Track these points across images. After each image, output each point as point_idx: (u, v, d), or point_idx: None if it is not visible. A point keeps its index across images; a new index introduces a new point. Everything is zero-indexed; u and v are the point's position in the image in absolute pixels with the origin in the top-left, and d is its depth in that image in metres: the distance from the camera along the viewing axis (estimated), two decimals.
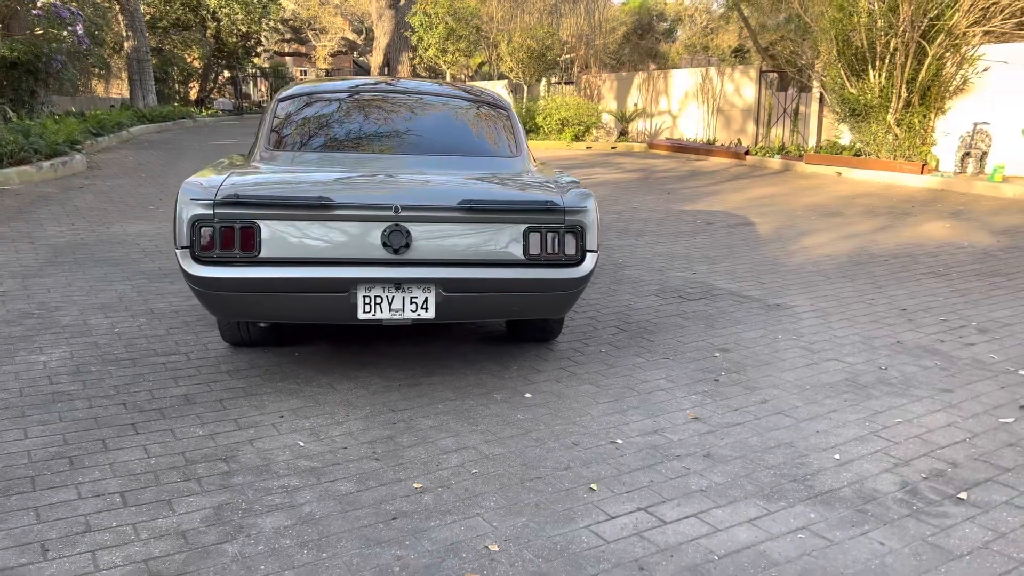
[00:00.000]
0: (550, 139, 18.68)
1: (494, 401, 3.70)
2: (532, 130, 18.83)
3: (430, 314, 3.51)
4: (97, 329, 4.57)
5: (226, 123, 23.78)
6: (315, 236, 3.39)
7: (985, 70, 12.76)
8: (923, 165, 12.57)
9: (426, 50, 22.35)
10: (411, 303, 3.48)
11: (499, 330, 4.75)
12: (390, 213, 3.36)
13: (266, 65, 34.37)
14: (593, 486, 2.92)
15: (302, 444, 3.22)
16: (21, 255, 6.30)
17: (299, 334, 4.46)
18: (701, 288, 5.86)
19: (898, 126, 13.07)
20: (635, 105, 20.48)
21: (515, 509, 2.76)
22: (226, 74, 30.29)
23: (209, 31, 27.28)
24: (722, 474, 3.03)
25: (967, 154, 12.79)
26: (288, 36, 51.89)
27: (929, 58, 12.56)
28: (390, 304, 3.46)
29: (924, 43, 12.50)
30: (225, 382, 3.84)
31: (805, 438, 3.35)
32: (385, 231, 3.40)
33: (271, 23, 28.95)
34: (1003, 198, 10.73)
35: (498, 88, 24.93)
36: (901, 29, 12.43)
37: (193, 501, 2.76)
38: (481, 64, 25.74)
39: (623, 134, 19.74)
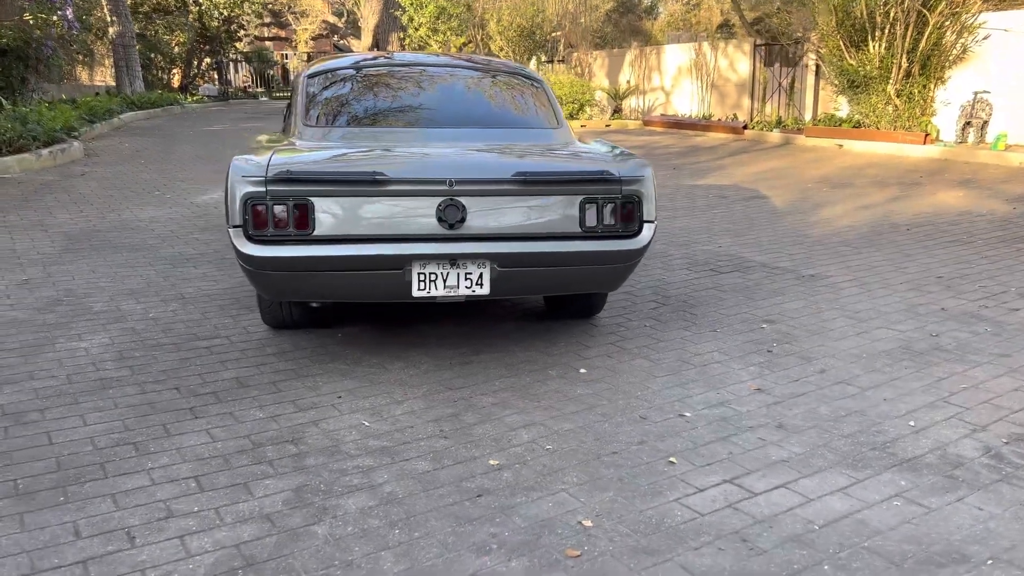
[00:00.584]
0: None
1: (550, 377, 3.64)
2: None
3: (485, 290, 3.44)
4: (131, 315, 4.47)
5: (214, 109, 23.45)
6: (369, 212, 3.31)
7: (985, 38, 12.74)
8: (926, 135, 12.56)
9: (416, 30, 22.12)
10: (466, 279, 3.41)
11: (537, 307, 4.68)
12: (444, 187, 3.28)
13: (247, 50, 33.93)
14: (672, 459, 2.88)
15: (367, 424, 3.16)
16: (37, 243, 6.17)
17: (339, 315, 4.38)
18: (731, 261, 5.81)
19: (898, 97, 13.05)
20: (628, 82, 20.36)
21: (599, 484, 2.71)
22: (208, 60, 29.88)
23: (192, 15, 26.88)
24: (799, 444, 2.99)
25: (968, 123, 12.78)
26: (268, 20, 51.30)
27: (930, 27, 12.52)
28: (445, 281, 3.39)
29: (925, 12, 12.46)
30: (273, 364, 3.76)
31: (874, 406, 3.32)
32: (440, 206, 3.32)
33: (254, 6, 28.52)
34: (1010, 167, 10.74)
35: None
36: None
37: (270, 484, 2.69)
38: (465, 44, 25.49)
39: (617, 112, 19.64)
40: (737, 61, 18.06)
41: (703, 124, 16.80)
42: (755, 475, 2.77)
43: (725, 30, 33.99)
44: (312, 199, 3.23)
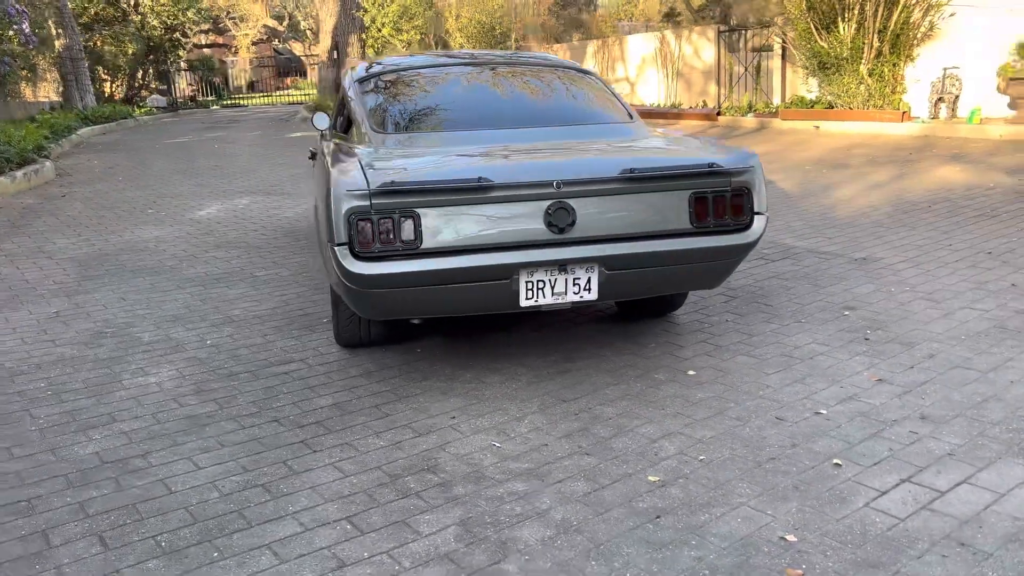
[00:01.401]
0: None
1: (660, 382, 3.51)
2: None
3: (592, 295, 3.28)
4: (187, 343, 4.20)
5: (167, 120, 22.77)
6: (476, 221, 3.12)
7: (951, 15, 12.96)
8: (903, 113, 12.73)
9: (379, 30, 21.73)
10: (574, 285, 3.25)
11: (607, 308, 4.54)
12: (551, 190, 3.11)
13: (191, 58, 33.03)
14: (836, 461, 2.76)
15: (498, 445, 2.98)
16: (47, 271, 5.81)
17: (410, 330, 4.18)
18: (774, 248, 5.74)
19: (870, 76, 13.21)
20: None
21: (777, 494, 2.58)
22: (152, 70, 28.99)
23: (134, 24, 26.02)
24: (954, 435, 2.90)
25: (940, 99, 13.00)
26: (207, 27, 50.16)
27: (900, 6, 12.71)
28: (552, 288, 3.22)
29: None
30: (366, 387, 3.55)
31: (1006, 390, 3.25)
32: (548, 209, 3.15)
33: (198, 14, 27.74)
34: (991, 139, 10.93)
35: None
36: None
37: (430, 519, 2.51)
38: (419, 40, 25.12)
39: None
40: (702, 48, 18.14)
41: (674, 112, 16.82)
42: (929, 472, 2.67)
43: (671, 19, 34.23)
44: (418, 210, 3.04)
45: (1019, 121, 11.39)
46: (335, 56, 19.29)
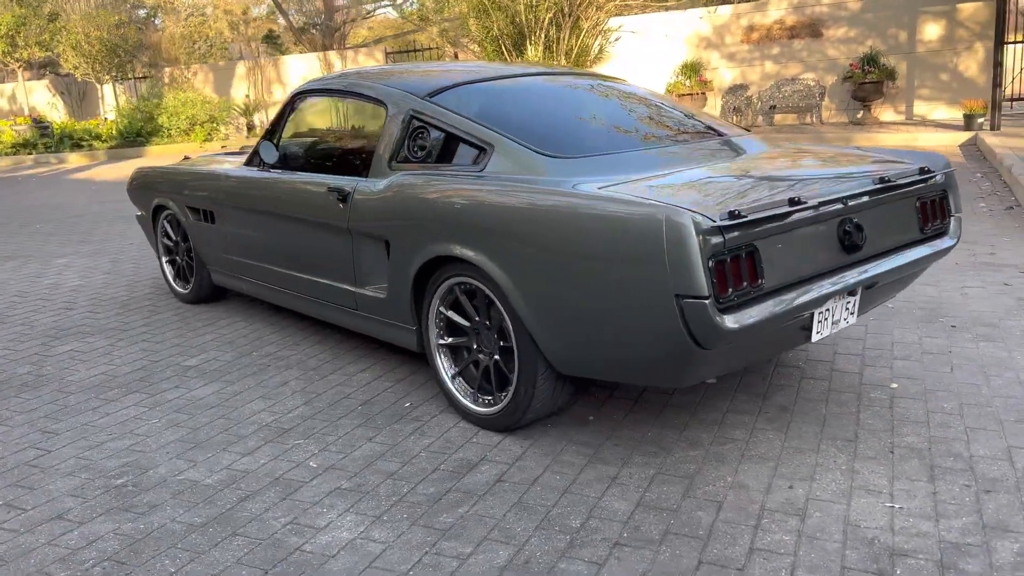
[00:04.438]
0: (176, 142, 16.40)
1: (849, 410, 3.37)
2: (153, 132, 16.31)
3: (854, 318, 3.04)
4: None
5: None
6: (796, 248, 2.69)
7: (617, 39, 14.52)
8: None
9: None
10: (846, 309, 2.98)
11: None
12: (841, 207, 2.81)
13: None
14: None
15: (890, 506, 2.61)
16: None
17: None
18: None
19: None
20: (247, 96, 18.95)
21: None
22: None
23: None
24: None
25: None
26: None
27: (583, 31, 13.89)
28: (832, 315, 2.92)
29: (580, 16, 13.77)
30: (576, 450, 2.87)
31: None
32: (842, 229, 2.83)
33: None
34: None
35: (39, 90, 21.03)
36: (564, 5, 13.51)
37: None
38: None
39: (251, 128, 18.18)
40: None
41: None
42: None
43: (270, 40, 33.31)
44: (756, 243, 2.53)
45: None
46: None
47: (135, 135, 16.57)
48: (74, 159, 16.28)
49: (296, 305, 4.10)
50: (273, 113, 18.82)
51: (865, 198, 2.91)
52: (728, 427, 3.11)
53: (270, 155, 3.97)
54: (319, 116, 4.10)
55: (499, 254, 2.84)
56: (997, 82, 10.81)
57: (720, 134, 3.61)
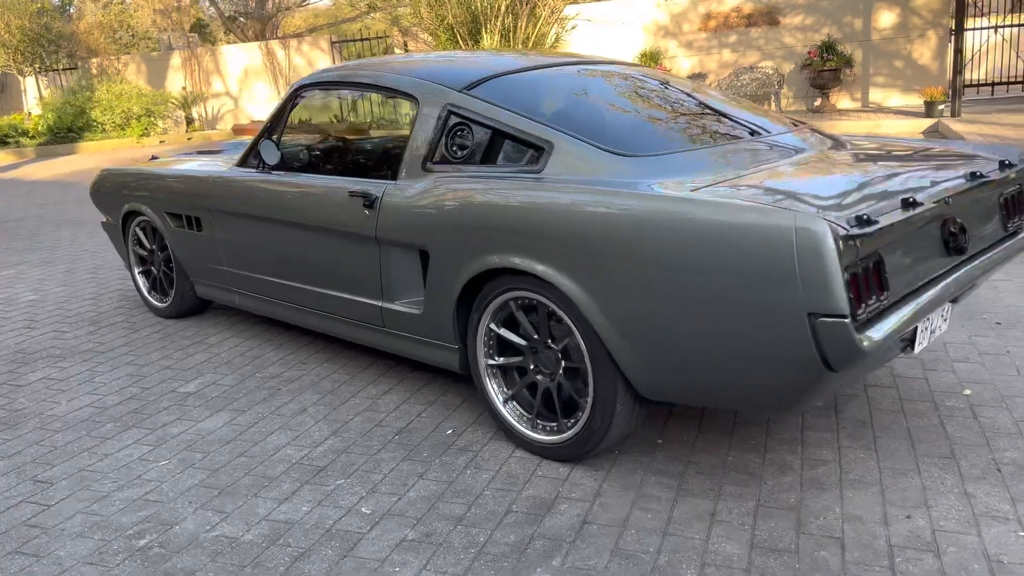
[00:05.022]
0: (111, 137, 15.54)
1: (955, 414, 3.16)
2: (85, 128, 15.41)
3: (946, 325, 2.81)
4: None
5: None
6: (911, 256, 2.44)
7: (574, 28, 14.26)
8: None
9: None
10: (941, 317, 2.74)
11: None
12: (943, 206, 2.57)
13: None
14: None
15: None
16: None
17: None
18: None
19: None
20: (184, 88, 18.11)
21: None
22: None
23: None
24: None
25: None
26: None
27: (540, 19, 13.57)
28: (931, 323, 2.68)
29: (537, 4, 13.45)
30: (657, 477, 2.58)
31: None
32: (947, 231, 2.59)
33: None
34: None
35: None
36: None
37: None
38: None
39: (190, 122, 17.37)
40: (316, 59, 17.33)
41: None
42: None
43: (199, 30, 32.20)
44: (881, 252, 2.26)
45: None
46: None
47: (66, 131, 15.63)
48: (1, 157, 15.29)
49: (304, 321, 3.70)
50: (210, 106, 18.05)
51: (965, 196, 2.68)
52: (812, 447, 2.85)
53: (272, 155, 3.56)
54: (327, 112, 3.70)
55: (574, 267, 2.52)
56: (958, 69, 10.87)
57: (783, 128, 3.34)
